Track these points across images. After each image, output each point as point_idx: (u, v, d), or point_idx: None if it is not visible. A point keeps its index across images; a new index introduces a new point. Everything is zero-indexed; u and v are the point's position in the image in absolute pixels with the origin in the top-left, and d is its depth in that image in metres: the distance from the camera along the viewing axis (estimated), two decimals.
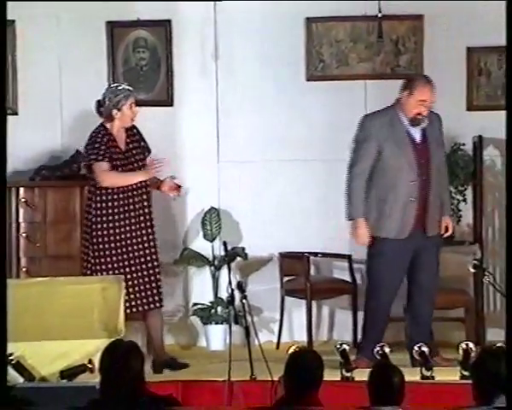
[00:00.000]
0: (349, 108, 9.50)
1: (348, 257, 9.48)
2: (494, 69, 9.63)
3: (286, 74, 9.68)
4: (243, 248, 9.46)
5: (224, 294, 9.13)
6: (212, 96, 9.67)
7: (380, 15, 9.41)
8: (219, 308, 9.37)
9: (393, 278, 8.27)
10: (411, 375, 6.93)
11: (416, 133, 8.31)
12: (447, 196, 8.54)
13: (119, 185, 8.28)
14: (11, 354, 6.94)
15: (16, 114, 9.52)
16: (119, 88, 8.44)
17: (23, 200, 9.25)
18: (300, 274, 9.35)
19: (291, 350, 6.70)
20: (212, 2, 9.63)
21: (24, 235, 9.22)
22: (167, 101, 9.48)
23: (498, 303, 9.25)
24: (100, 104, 8.36)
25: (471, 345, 7.44)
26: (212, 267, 9.50)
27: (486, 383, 5.43)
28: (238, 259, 9.43)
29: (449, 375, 7.50)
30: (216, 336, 9.36)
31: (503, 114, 9.27)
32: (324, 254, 9.56)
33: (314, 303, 9.37)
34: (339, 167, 9.34)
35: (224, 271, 9.23)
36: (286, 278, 9.47)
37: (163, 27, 9.63)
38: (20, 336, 6.74)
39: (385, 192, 8.25)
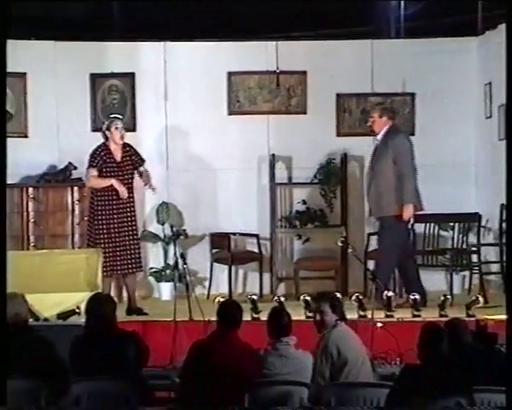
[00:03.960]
0: (256, 133, 9.53)
1: (256, 236, 9.48)
2: (354, 108, 9.59)
3: (213, 110, 9.60)
4: (185, 230, 9.39)
5: (171, 261, 9.14)
6: (162, 124, 9.58)
7: (278, 71, 9.54)
8: (168, 271, 9.27)
9: None
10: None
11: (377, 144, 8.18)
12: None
13: (95, 187, 8.10)
14: None
15: (27, 136, 9.44)
16: (110, 117, 8.38)
17: (31, 196, 9.15)
18: (224, 247, 9.31)
19: (217, 300, 6.71)
20: (163, 64, 9.59)
21: (32, 220, 9.12)
22: (131, 128, 9.35)
23: (357, 267, 9.03)
24: (101, 129, 8.30)
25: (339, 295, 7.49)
26: (163, 243, 9.43)
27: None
28: (181, 237, 9.32)
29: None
30: (165, 290, 9.27)
31: (360, 138, 9.50)
32: (240, 234, 9.47)
33: (233, 267, 9.28)
34: (250, 174, 9.50)
35: (171, 245, 9.28)
36: (214, 250, 9.42)
37: (129, 77, 9.56)
38: (29, 290, 6.62)
39: None
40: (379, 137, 8.17)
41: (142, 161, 8.22)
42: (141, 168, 8.16)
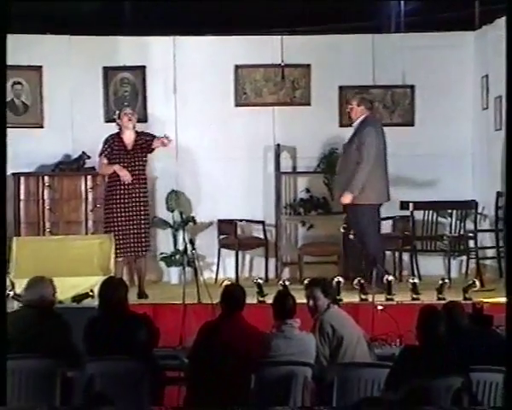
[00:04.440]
0: (262, 124, 9.52)
1: (262, 222, 9.49)
2: None
3: (221, 102, 9.57)
4: (193, 217, 9.35)
5: (180, 247, 9.15)
6: (172, 116, 9.57)
7: (282, 64, 9.53)
8: (177, 256, 9.25)
9: None
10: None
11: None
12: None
13: (104, 174, 8.28)
14: None
15: (42, 127, 9.43)
16: (121, 107, 8.47)
17: (47, 184, 9.14)
18: (231, 233, 9.31)
19: (224, 284, 6.72)
20: (172, 57, 9.56)
21: (47, 208, 9.12)
22: (143, 119, 9.30)
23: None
24: (114, 120, 8.38)
25: (341, 279, 7.45)
26: (173, 229, 9.41)
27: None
28: (190, 224, 9.33)
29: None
30: (175, 275, 9.28)
31: None
32: (247, 221, 9.47)
33: (240, 253, 9.26)
34: (254, 163, 9.50)
35: (181, 232, 9.35)
36: (221, 236, 9.41)
37: (140, 70, 9.53)
38: (46, 274, 6.67)
39: None
40: (354, 125, 8.19)
41: (153, 136, 8.23)
42: (155, 142, 8.15)
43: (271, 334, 5.72)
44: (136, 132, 8.27)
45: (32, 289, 5.87)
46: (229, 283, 6.69)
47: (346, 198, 8.04)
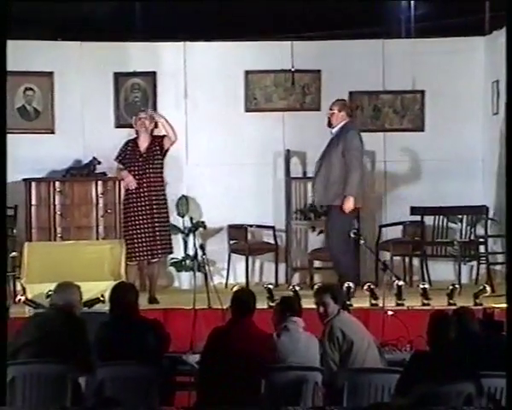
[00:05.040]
0: (272, 129, 9.52)
1: (272, 228, 9.48)
2: (366, 105, 9.54)
3: (231, 107, 9.58)
4: (203, 222, 9.40)
5: (190, 252, 9.15)
6: (182, 121, 9.53)
7: (293, 69, 9.52)
8: (187, 261, 9.27)
9: None
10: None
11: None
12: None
13: (119, 179, 8.46)
14: (50, 291, 6.77)
15: (53, 132, 9.43)
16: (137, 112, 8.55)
17: (58, 190, 9.08)
18: (241, 239, 9.31)
19: (234, 289, 6.78)
20: (182, 63, 9.57)
21: (58, 213, 9.06)
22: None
23: (368, 256, 8.94)
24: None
25: (352, 284, 7.44)
26: (183, 234, 9.42)
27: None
28: (200, 229, 9.37)
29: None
30: (185, 280, 9.30)
31: (372, 134, 9.47)
32: (257, 226, 9.46)
33: (250, 258, 9.30)
34: (264, 169, 9.49)
35: (191, 237, 9.37)
36: (232, 242, 9.40)
37: (150, 76, 9.53)
38: (57, 279, 6.69)
39: None
40: (334, 130, 8.20)
41: (164, 136, 8.27)
42: (165, 139, 8.18)
43: (277, 331, 5.73)
44: (153, 137, 8.31)
45: (62, 294, 5.91)
46: (239, 288, 6.70)
47: (350, 202, 8.02)
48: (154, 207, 8.19)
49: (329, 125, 8.24)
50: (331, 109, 8.25)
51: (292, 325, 5.72)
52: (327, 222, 8.29)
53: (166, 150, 8.30)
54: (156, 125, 8.43)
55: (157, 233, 8.18)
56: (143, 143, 8.25)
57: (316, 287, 6.33)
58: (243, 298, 5.83)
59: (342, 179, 8.01)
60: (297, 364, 5.55)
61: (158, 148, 8.25)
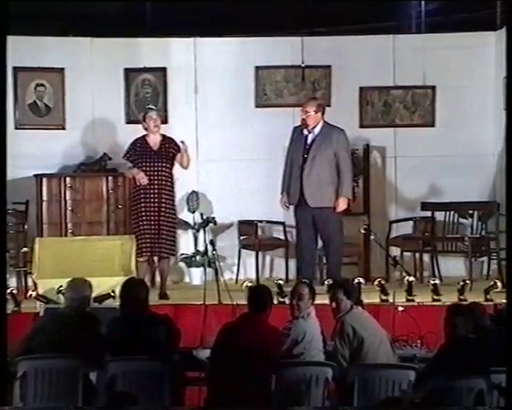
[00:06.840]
0: (282, 125, 9.36)
1: (283, 224, 9.44)
2: (376, 101, 9.52)
3: (242, 102, 9.56)
4: (214, 218, 9.34)
5: (201, 248, 9.15)
6: (192, 117, 9.55)
7: (303, 65, 9.50)
8: (198, 257, 9.19)
9: None
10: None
11: (309, 136, 8.19)
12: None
13: (130, 177, 8.37)
14: (61, 286, 6.84)
15: (64, 128, 9.43)
16: (145, 108, 8.51)
17: (69, 185, 9.07)
18: (251, 234, 9.29)
19: (245, 284, 6.77)
20: (193, 59, 9.57)
21: (69, 208, 9.05)
22: (163, 120, 9.14)
23: (378, 253, 8.93)
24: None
25: (362, 280, 7.39)
26: (193, 230, 9.39)
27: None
28: (210, 224, 9.30)
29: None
30: (196, 275, 9.22)
31: (382, 130, 9.48)
32: (267, 222, 9.46)
33: (260, 254, 9.26)
34: (274, 164, 9.44)
35: (201, 232, 9.33)
36: (242, 237, 9.38)
37: (161, 72, 9.51)
38: (68, 275, 6.66)
39: None
40: (316, 130, 8.16)
41: (178, 148, 8.26)
42: (178, 155, 8.21)
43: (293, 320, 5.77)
44: (163, 136, 8.32)
45: (74, 290, 5.92)
46: (253, 284, 6.68)
47: (345, 203, 8.07)
48: (162, 207, 8.18)
49: (305, 126, 8.19)
50: (307, 111, 8.20)
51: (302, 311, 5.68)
52: (324, 224, 8.18)
53: (173, 158, 8.28)
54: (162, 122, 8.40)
55: (162, 233, 8.15)
56: (154, 141, 8.25)
57: (327, 282, 6.31)
58: (259, 295, 5.85)
59: (336, 180, 8.06)
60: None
61: (169, 149, 8.24)
